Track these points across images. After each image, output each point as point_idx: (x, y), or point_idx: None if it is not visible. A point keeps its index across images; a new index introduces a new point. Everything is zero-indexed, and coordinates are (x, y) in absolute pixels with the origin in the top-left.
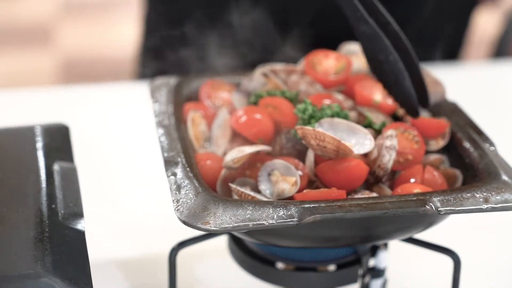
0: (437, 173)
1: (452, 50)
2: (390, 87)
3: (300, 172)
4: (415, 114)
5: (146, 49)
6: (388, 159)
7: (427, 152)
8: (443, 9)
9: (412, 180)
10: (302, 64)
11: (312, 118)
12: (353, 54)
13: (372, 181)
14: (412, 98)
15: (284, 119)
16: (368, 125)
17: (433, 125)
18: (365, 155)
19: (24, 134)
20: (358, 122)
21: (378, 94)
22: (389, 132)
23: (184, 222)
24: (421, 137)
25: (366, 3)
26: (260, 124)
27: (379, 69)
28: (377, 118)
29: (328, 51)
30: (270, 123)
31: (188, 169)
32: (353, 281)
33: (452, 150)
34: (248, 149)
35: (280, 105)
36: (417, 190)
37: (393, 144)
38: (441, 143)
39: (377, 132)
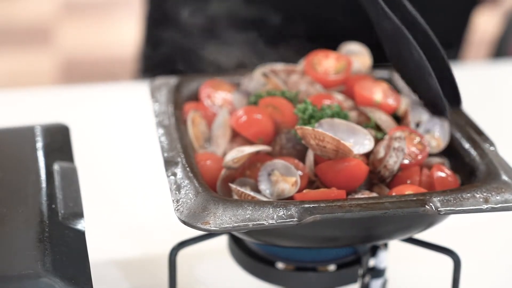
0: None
1: (452, 50)
2: (415, 85)
3: (300, 172)
4: (442, 113)
5: (147, 48)
6: (395, 161)
7: (430, 154)
8: (443, 9)
9: (408, 181)
10: (302, 64)
11: (312, 118)
12: (353, 54)
13: (376, 181)
14: (439, 96)
15: (284, 119)
16: (371, 126)
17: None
18: (368, 155)
19: (24, 134)
20: (359, 122)
21: (378, 94)
22: (398, 133)
23: (184, 222)
24: (424, 139)
25: (391, 0)
26: (260, 124)
27: (402, 67)
28: (379, 119)
29: (328, 51)
30: (270, 123)
31: (188, 169)
32: (353, 281)
33: (452, 150)
34: (248, 149)
35: (280, 105)
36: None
37: (401, 146)
38: (441, 145)
39: (377, 132)
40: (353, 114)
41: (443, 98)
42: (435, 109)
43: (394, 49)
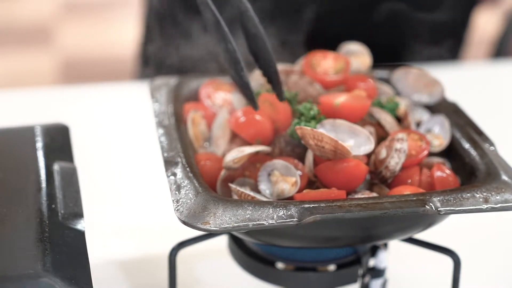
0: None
1: (452, 50)
2: (231, 76)
3: (300, 172)
4: (255, 107)
5: (146, 48)
6: (397, 162)
7: (430, 154)
8: (443, 9)
9: (409, 181)
10: (299, 65)
11: (313, 119)
12: (353, 54)
13: (377, 181)
14: (250, 90)
15: (278, 117)
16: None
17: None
18: (370, 155)
19: (24, 134)
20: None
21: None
22: (400, 135)
23: (184, 222)
24: (426, 138)
25: None
26: (258, 125)
27: (221, 57)
28: (384, 120)
29: (326, 52)
30: (269, 124)
31: (188, 169)
32: (353, 281)
33: (452, 150)
34: (248, 149)
35: (275, 101)
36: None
37: (403, 147)
38: (444, 143)
39: (382, 129)
40: None
41: (253, 93)
42: (249, 101)
43: (215, 40)
